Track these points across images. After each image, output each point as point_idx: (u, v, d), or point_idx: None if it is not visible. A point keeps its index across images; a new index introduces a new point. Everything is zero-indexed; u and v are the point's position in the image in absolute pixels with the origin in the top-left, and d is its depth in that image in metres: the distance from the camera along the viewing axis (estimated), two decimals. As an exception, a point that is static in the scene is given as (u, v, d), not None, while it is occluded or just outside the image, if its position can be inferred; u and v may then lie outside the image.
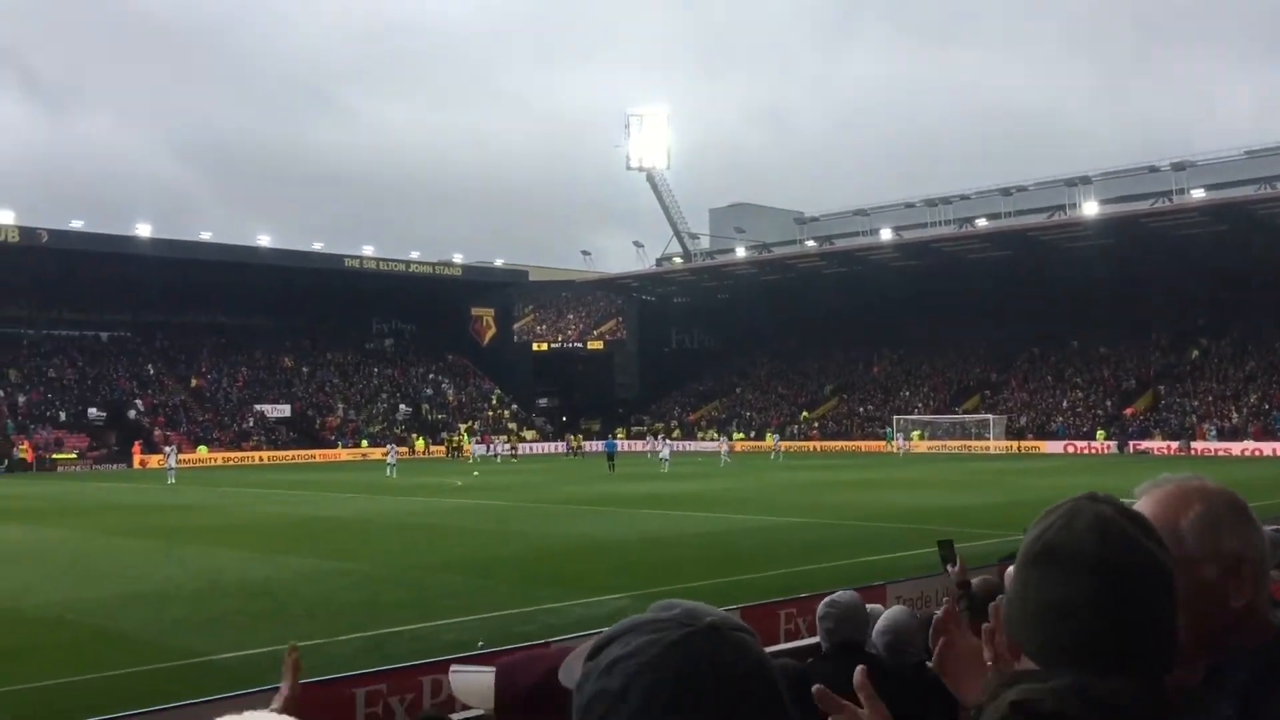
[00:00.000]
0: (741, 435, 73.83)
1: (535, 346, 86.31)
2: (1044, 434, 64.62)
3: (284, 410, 71.82)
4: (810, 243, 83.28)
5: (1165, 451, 56.96)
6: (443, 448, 69.90)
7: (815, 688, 1.46)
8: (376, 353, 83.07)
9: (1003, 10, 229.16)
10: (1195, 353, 66.82)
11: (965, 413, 68.66)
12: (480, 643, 11.04)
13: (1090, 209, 66.61)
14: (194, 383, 71.59)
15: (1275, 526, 3.22)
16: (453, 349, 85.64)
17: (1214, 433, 58.84)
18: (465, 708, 5.72)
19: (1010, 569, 5.18)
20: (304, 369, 77.53)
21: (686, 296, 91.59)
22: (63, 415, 63.67)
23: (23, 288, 66.77)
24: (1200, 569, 1.55)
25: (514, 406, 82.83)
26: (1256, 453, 54.46)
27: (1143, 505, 1.64)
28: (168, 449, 52.30)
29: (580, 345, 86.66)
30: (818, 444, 70.51)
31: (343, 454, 67.34)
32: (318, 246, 78.14)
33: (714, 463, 51.94)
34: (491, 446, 65.43)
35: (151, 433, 63.78)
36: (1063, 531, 1.39)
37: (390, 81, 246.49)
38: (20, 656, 11.99)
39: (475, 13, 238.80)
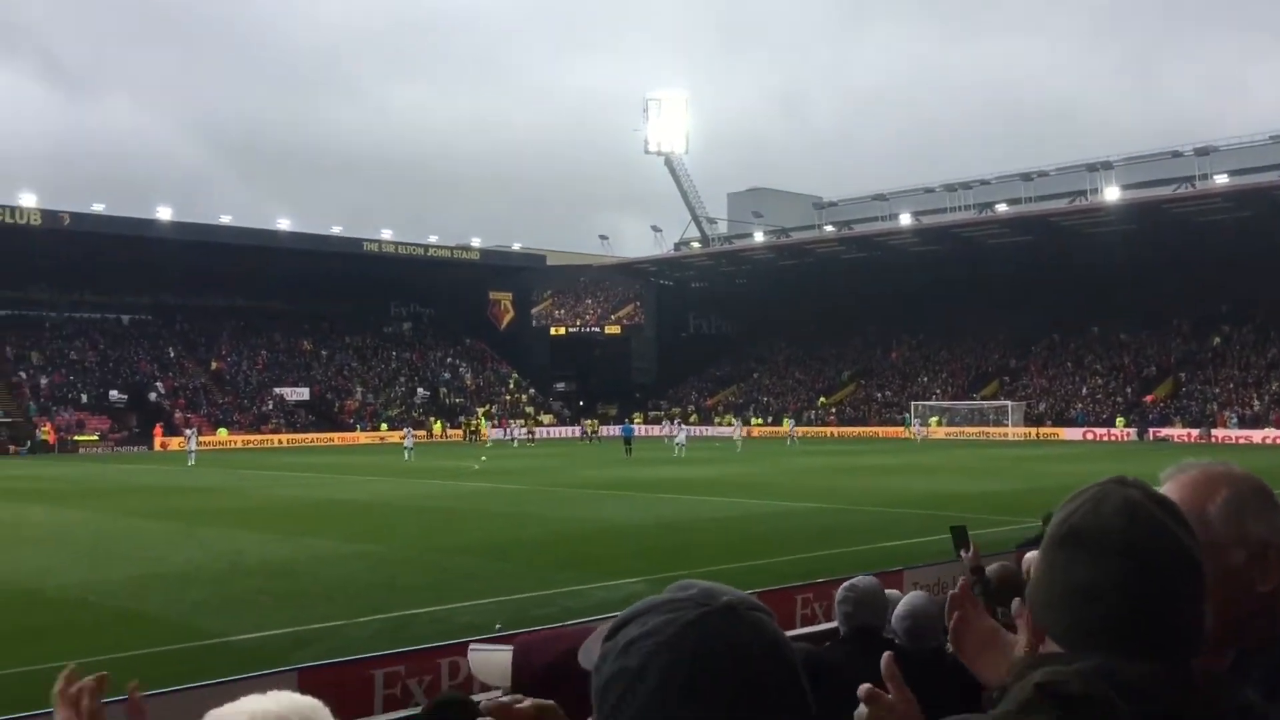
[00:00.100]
0: (760, 420, 73.81)
1: (553, 331, 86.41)
2: (1063, 420, 64.32)
3: (303, 393, 72.22)
4: (829, 228, 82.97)
5: (1185, 439, 56.63)
6: (460, 431, 70.13)
7: (863, 687, 1.46)
8: (395, 336, 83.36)
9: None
10: (1217, 339, 66.33)
11: (984, 399, 68.40)
12: (498, 625, 11.10)
13: (1112, 194, 66.10)
14: (214, 365, 72.04)
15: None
16: (470, 333, 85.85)
17: (1235, 420, 58.43)
18: (484, 688, 5.76)
19: (1027, 555, 5.19)
20: (323, 352, 77.91)
21: (704, 281, 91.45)
22: (84, 397, 64.20)
23: (45, 270, 67.28)
24: (1227, 554, 1.54)
25: (531, 391, 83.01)
26: (1278, 440, 54.06)
27: (1168, 490, 1.62)
28: (188, 431, 52.66)
29: (598, 330, 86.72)
30: (835, 429, 70.41)
31: (361, 437, 67.70)
32: (337, 230, 78.46)
33: (730, 448, 51.92)
34: (508, 430, 65.60)
35: (172, 415, 64.24)
36: (1090, 515, 1.38)
37: (408, 65, 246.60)
38: (43, 637, 12.12)
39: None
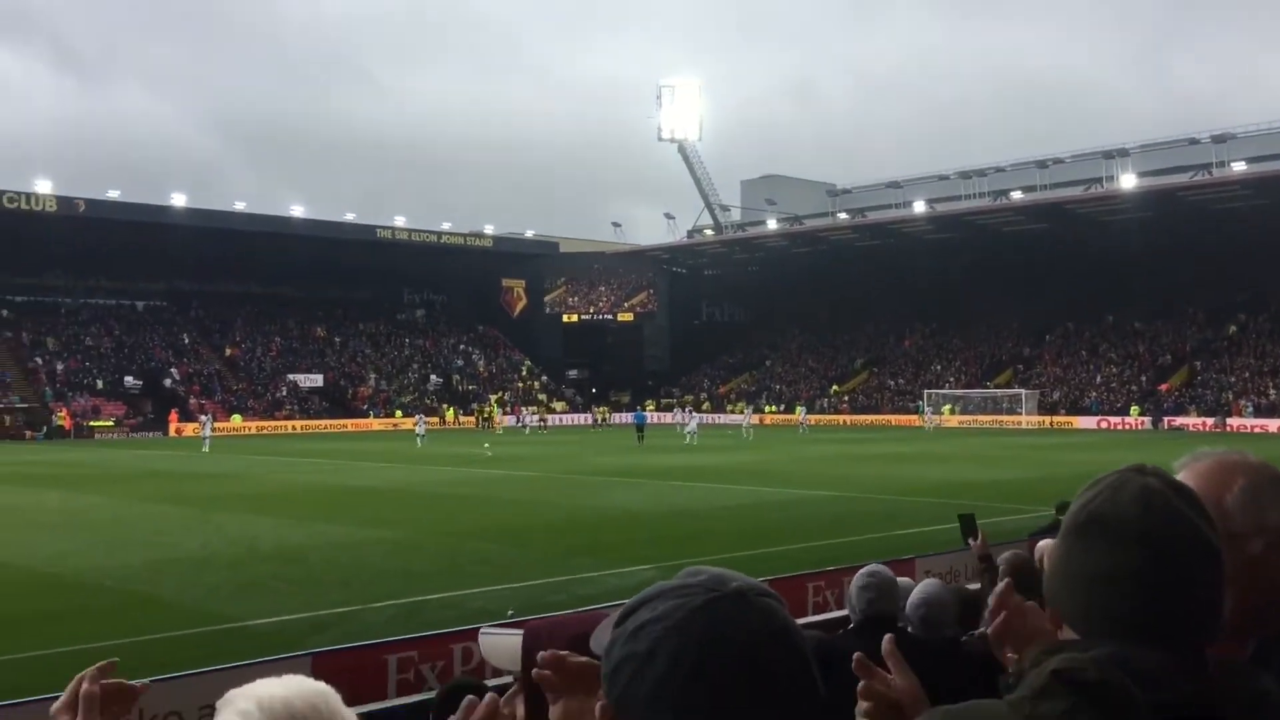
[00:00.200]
0: (774, 408, 73.75)
1: (565, 318, 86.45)
2: (1077, 409, 64.07)
3: (316, 380, 72.47)
4: (842, 215, 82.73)
5: (1200, 428, 56.36)
6: (472, 418, 70.30)
7: (856, 655, 1.47)
8: (408, 323, 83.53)
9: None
10: (1233, 328, 65.92)
11: (997, 387, 68.17)
12: (510, 611, 11.15)
13: (1128, 182, 65.70)
14: (228, 352, 72.33)
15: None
16: (483, 320, 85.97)
17: (1251, 409, 58.11)
18: (496, 673, 5.79)
19: (1041, 543, 5.18)
20: (336, 339, 78.13)
21: (717, 269, 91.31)
22: (100, 383, 64.55)
23: (60, 257, 67.59)
24: (1246, 544, 1.54)
25: (544, 378, 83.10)
26: (1294, 430, 53.77)
27: (1183, 480, 1.62)
28: (203, 418, 52.92)
29: (610, 317, 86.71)
30: (848, 418, 70.29)
31: (374, 423, 67.92)
32: (350, 217, 78.58)
33: (740, 435, 51.85)
34: (521, 418, 65.70)
35: (187, 401, 64.56)
36: (1108, 502, 1.38)
37: (421, 52, 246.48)
38: (60, 621, 12.22)
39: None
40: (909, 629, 4.42)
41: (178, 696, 7.15)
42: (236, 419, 63.74)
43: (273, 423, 64.98)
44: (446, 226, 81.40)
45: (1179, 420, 58.69)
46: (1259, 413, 57.59)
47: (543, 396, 79.26)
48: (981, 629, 2.84)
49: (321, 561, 16.28)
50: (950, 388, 69.82)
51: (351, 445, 48.74)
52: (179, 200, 68.83)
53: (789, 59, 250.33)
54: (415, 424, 51.97)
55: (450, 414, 70.61)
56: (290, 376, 71.72)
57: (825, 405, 73.37)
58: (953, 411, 66.30)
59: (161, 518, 21.82)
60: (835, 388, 76.16)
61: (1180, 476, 1.63)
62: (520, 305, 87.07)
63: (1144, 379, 65.27)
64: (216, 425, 54.17)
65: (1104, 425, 60.54)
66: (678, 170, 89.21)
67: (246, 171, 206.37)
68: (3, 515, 22.43)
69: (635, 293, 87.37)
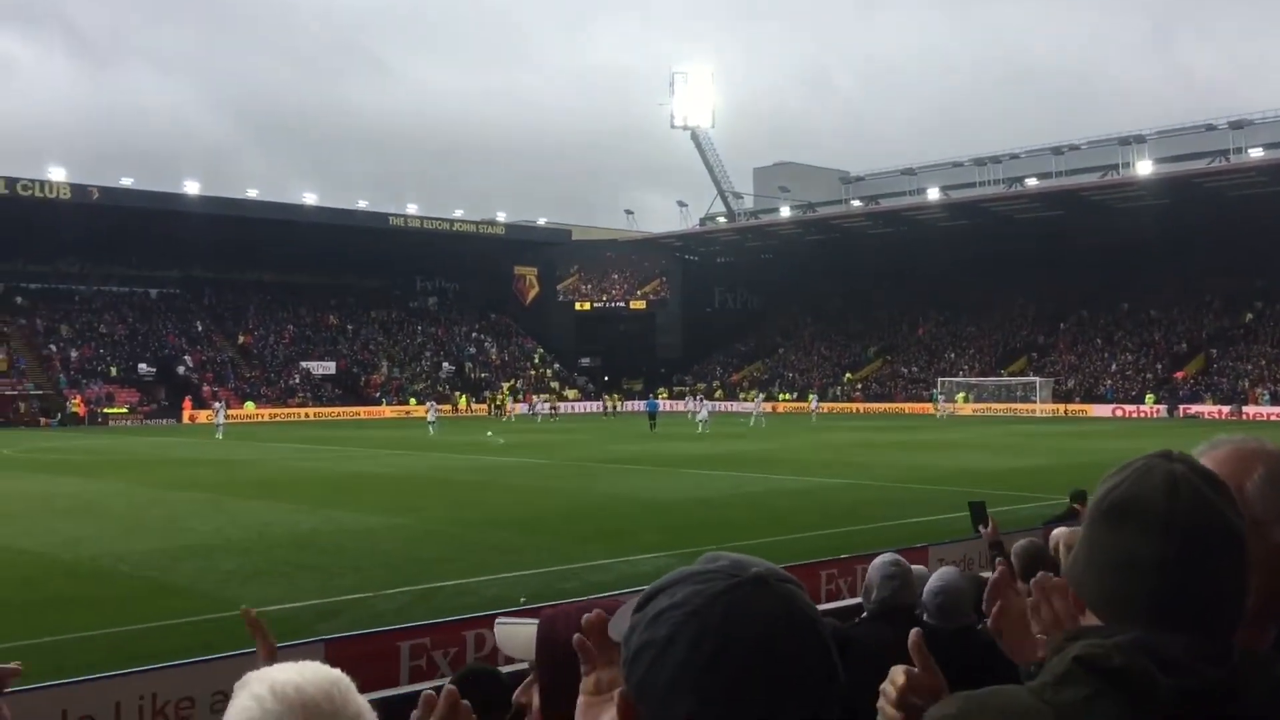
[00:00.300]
0: (788, 395, 73.68)
1: (578, 306, 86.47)
2: (1092, 397, 63.83)
3: (329, 367, 72.69)
4: (856, 202, 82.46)
5: (1216, 416, 56.10)
6: (484, 406, 70.46)
7: (895, 669, 1.46)
8: (420, 311, 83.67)
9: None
10: (1249, 316, 65.54)
11: (1011, 375, 67.95)
12: (522, 598, 11.18)
13: (1144, 168, 65.31)
14: (241, 339, 72.59)
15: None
16: (496, 308, 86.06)
17: (1267, 397, 57.81)
18: (509, 661, 5.79)
19: (1055, 532, 5.13)
20: (349, 327, 78.33)
21: (730, 256, 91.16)
22: (114, 370, 64.87)
23: (74, 244, 67.83)
24: (1269, 532, 1.52)
25: (556, 366, 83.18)
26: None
27: None
28: (217, 405, 53.12)
29: (623, 305, 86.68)
30: (861, 405, 70.20)
31: (386, 411, 68.14)
32: (362, 205, 78.79)
33: (750, 423, 51.77)
34: (532, 406, 65.78)
35: (200, 388, 64.85)
36: (1134, 487, 1.37)
37: (432, 39, 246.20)
38: (76, 606, 12.29)
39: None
40: (925, 617, 4.39)
41: (191, 682, 7.18)
42: (250, 406, 64.00)
43: (286, 410, 65.25)
44: (459, 214, 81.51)
45: (1194, 408, 58.42)
46: (1275, 400, 57.28)
47: (555, 384, 79.35)
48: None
49: (334, 548, 16.34)
50: (964, 376, 69.61)
51: (364, 433, 48.91)
52: (192, 188, 69.08)
53: (802, 46, 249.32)
54: (427, 411, 52.07)
55: (463, 402, 70.77)
56: (303, 364, 71.97)
57: (838, 393, 73.26)
58: (966, 400, 66.14)
59: (175, 504, 21.94)
60: (848, 375, 76.04)
61: None
62: (532, 293, 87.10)
63: (1159, 367, 64.96)
64: (230, 412, 54.38)
65: (1119, 414, 60.29)
66: (690, 158, 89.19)
67: (258, 159, 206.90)
68: (19, 501, 22.58)
69: (648, 280, 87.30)
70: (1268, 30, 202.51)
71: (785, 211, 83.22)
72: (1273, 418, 54.08)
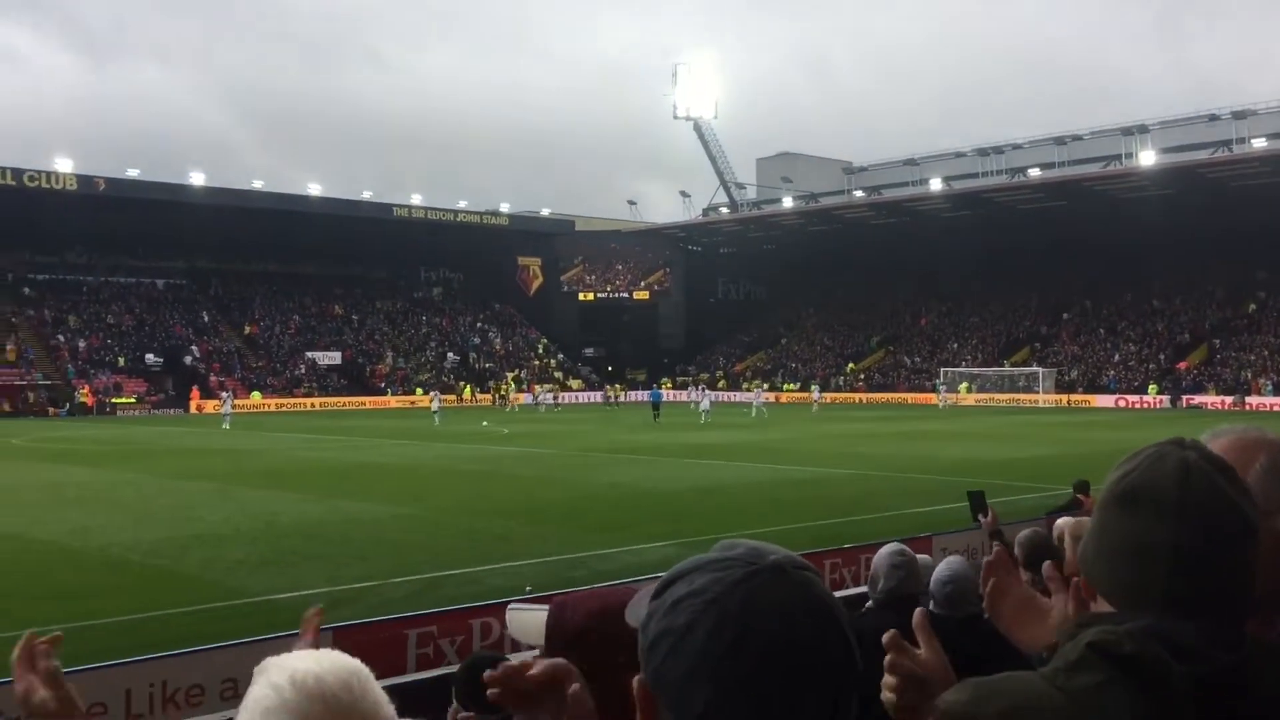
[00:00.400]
0: (792, 386, 73.64)
1: (581, 296, 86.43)
2: (1094, 388, 63.78)
3: (335, 358, 72.78)
4: (858, 193, 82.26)
5: (1219, 406, 56.02)
6: (489, 396, 70.51)
7: (889, 633, 1.48)
8: (425, 301, 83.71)
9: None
10: (1252, 306, 65.41)
11: (1014, 366, 67.88)
12: (528, 587, 11.26)
13: (1147, 159, 65.11)
14: (248, 330, 72.69)
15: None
16: (500, 298, 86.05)
17: (1270, 387, 57.73)
18: (517, 647, 5.86)
19: (1059, 521, 5.15)
20: (354, 317, 78.40)
21: (733, 247, 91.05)
22: (121, 361, 64.99)
23: (81, 235, 67.95)
24: (1271, 521, 1.50)
25: (560, 356, 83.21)
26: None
27: None
28: (224, 395, 53.23)
29: (626, 295, 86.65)
30: (863, 396, 70.17)
31: (392, 401, 68.22)
32: (367, 195, 78.65)
33: (751, 414, 51.75)
34: (537, 395, 65.77)
35: (207, 379, 64.98)
36: (1146, 474, 1.38)
37: (436, 30, 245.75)
38: (86, 595, 12.38)
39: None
40: (931, 606, 4.43)
41: (200, 670, 7.26)
42: (256, 396, 64.11)
43: (292, 400, 65.36)
44: (463, 205, 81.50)
45: (1197, 399, 58.37)
46: (1278, 391, 57.21)
47: (559, 374, 79.40)
48: None
49: (341, 537, 16.43)
50: (967, 366, 69.55)
51: (369, 422, 48.97)
52: (197, 179, 69.06)
53: (804, 36, 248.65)
54: (431, 401, 52.07)
55: (467, 392, 70.84)
56: (309, 354, 72.05)
57: (841, 383, 73.22)
58: (969, 390, 66.08)
59: (184, 493, 22.04)
60: (851, 366, 75.99)
61: None
62: (536, 283, 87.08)
63: (1162, 357, 64.89)
64: (236, 402, 54.46)
65: (1122, 404, 60.26)
66: (693, 148, 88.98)
67: (262, 151, 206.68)
68: (28, 491, 22.68)
69: (651, 271, 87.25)
70: (1272, 21, 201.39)
71: (788, 202, 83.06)
72: (1275, 408, 54.00)
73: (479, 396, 70.66)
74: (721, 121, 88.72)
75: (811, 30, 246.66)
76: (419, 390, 69.27)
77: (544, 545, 15.34)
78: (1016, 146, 77.43)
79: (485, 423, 46.27)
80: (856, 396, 70.12)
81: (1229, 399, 56.92)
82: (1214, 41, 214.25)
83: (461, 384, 72.18)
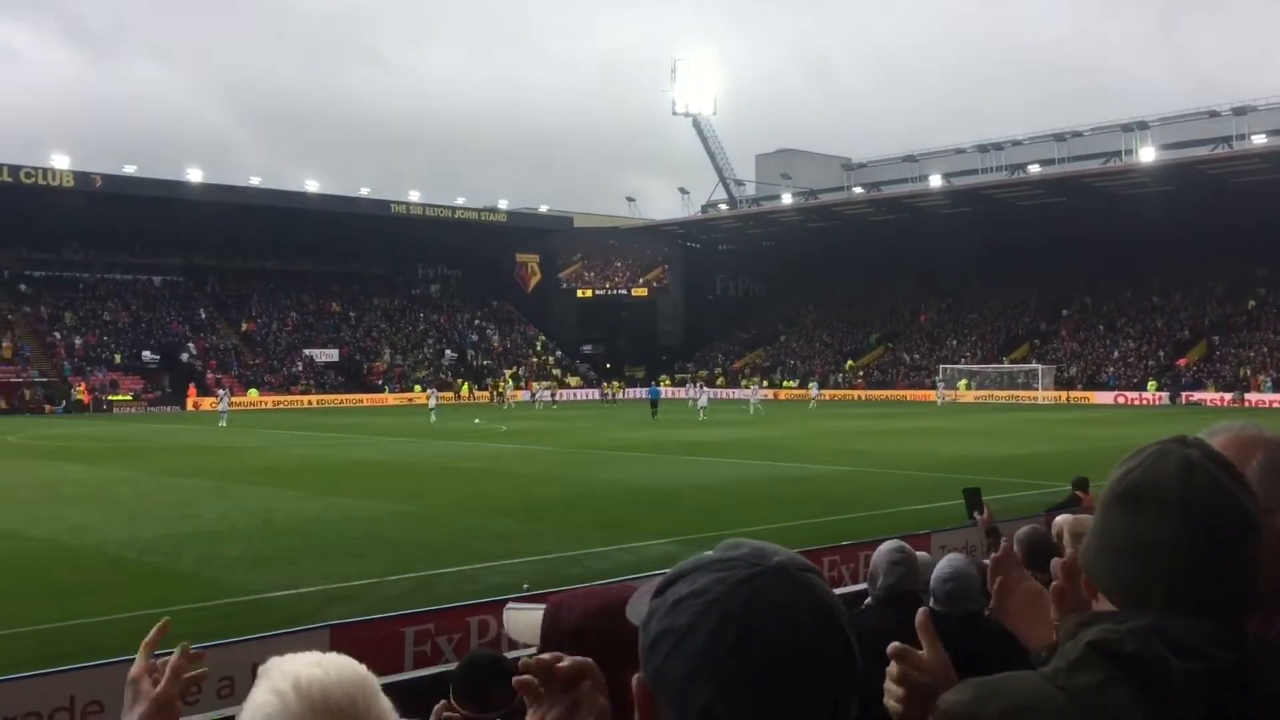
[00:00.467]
0: (791, 383, 73.63)
1: (580, 293, 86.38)
2: (1094, 384, 63.79)
3: (332, 355, 72.71)
4: (858, 189, 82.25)
5: (1218, 403, 56.05)
6: (487, 393, 70.48)
7: (893, 645, 1.46)
8: (423, 298, 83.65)
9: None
10: (1251, 302, 65.43)
11: (1013, 363, 67.90)
12: (525, 585, 11.23)
13: (1147, 155, 65.12)
14: (245, 327, 72.62)
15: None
16: (498, 295, 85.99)
17: (1270, 384, 57.77)
18: (514, 645, 5.84)
19: (1058, 519, 5.12)
20: (351, 314, 78.34)
21: (732, 243, 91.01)
22: (118, 358, 64.93)
23: (78, 232, 67.84)
24: (1268, 518, 1.50)
25: (558, 353, 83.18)
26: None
27: None
28: (221, 392, 53.19)
29: (625, 292, 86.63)
30: (863, 393, 70.17)
31: (389, 398, 68.18)
32: (365, 192, 78.59)
33: (747, 411, 51.72)
34: (534, 393, 65.74)
35: (204, 376, 64.93)
36: (1149, 472, 1.37)
37: (434, 27, 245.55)
38: (83, 593, 12.35)
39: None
40: (932, 603, 4.40)
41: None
42: (253, 393, 64.06)
43: (289, 397, 65.32)
44: (461, 201, 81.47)
45: (1197, 395, 58.39)
46: (1278, 387, 57.24)
47: (557, 372, 79.39)
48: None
49: (338, 534, 16.41)
50: (966, 363, 69.56)
51: (367, 420, 48.95)
52: (195, 175, 68.96)
53: (804, 33, 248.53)
54: (428, 399, 52.00)
55: (465, 389, 70.81)
56: (306, 351, 71.99)
57: (840, 380, 73.22)
58: (968, 387, 66.09)
59: (180, 491, 22.01)
60: (850, 363, 75.99)
61: None
62: (534, 280, 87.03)
63: (1161, 354, 64.92)
64: (234, 400, 54.45)
65: (1121, 401, 60.28)
66: (692, 145, 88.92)
67: (259, 148, 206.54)
68: (24, 488, 22.65)
69: (650, 268, 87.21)
70: (1272, 17, 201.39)
71: (787, 199, 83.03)
72: (1275, 405, 54.03)
73: (477, 394, 70.64)
74: (721, 118, 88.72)
75: (811, 27, 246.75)
76: (417, 387, 69.22)
77: (542, 543, 15.31)
78: (1016, 143, 77.48)
79: (477, 420, 46.24)
80: (856, 394, 70.11)
81: (1228, 396, 56.94)
82: (1215, 39, 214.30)
83: (459, 381, 72.15)
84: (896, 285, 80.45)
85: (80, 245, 69.85)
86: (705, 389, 56.75)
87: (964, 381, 66.45)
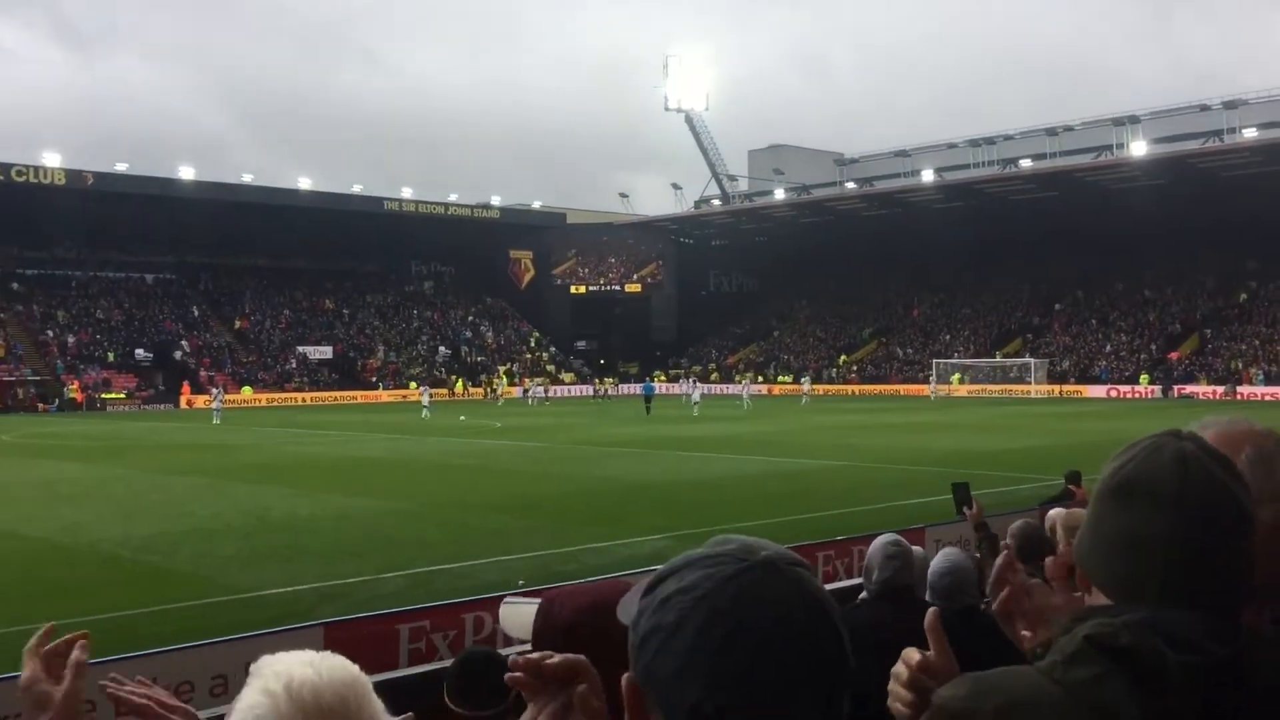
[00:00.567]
0: (786, 378, 73.68)
1: (573, 289, 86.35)
2: (1086, 378, 63.93)
3: (325, 352, 72.60)
4: (850, 185, 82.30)
5: (1210, 396, 56.22)
6: (481, 390, 70.42)
7: (906, 651, 1.45)
8: (416, 295, 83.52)
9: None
10: (1243, 296, 65.61)
11: (1006, 356, 68.00)
12: (520, 581, 11.23)
13: (1138, 149, 65.23)
14: (238, 324, 72.47)
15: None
16: (491, 292, 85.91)
17: (1261, 377, 57.94)
18: (508, 642, 5.84)
19: (1051, 513, 5.11)
20: (345, 311, 78.20)
21: (725, 239, 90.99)
22: (111, 356, 64.77)
23: (70, 230, 67.63)
24: (1259, 511, 1.50)
25: (552, 349, 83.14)
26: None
27: None
28: (214, 390, 53.10)
29: (619, 288, 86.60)
30: (856, 387, 70.24)
31: (383, 395, 68.10)
32: (357, 189, 78.46)
33: (740, 406, 51.77)
34: (527, 389, 65.69)
35: (197, 373, 64.78)
36: (1143, 465, 1.37)
37: (425, 24, 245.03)
38: (76, 592, 12.34)
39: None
40: (927, 597, 4.41)
41: (191, 666, 7.22)
42: (247, 391, 63.94)
43: (283, 395, 65.21)
44: (453, 198, 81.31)
45: (1189, 388, 58.55)
46: (1269, 380, 57.40)
47: (551, 368, 79.34)
48: (987, 599, 2.86)
49: (332, 532, 16.39)
50: (959, 357, 69.66)
51: (361, 417, 48.90)
52: (187, 173, 68.80)
53: (796, 28, 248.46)
54: (420, 396, 51.97)
55: (459, 385, 70.74)
56: (300, 349, 71.87)
57: (834, 375, 73.28)
58: (961, 381, 66.21)
59: (174, 489, 21.98)
60: (843, 358, 76.07)
61: None
62: (528, 276, 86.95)
63: (1154, 347, 65.09)
64: (227, 397, 54.35)
65: (1113, 394, 60.42)
66: (685, 141, 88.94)
67: (252, 145, 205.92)
68: (18, 487, 22.60)
69: (643, 264, 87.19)
70: (1264, 12, 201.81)
71: (779, 194, 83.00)
72: (1267, 398, 54.22)
73: (470, 390, 70.56)
74: (713, 114, 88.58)
75: (803, 23, 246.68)
76: (411, 384, 69.15)
77: (536, 539, 15.32)
78: (1008, 137, 77.54)
79: (463, 417, 46.14)
80: (849, 388, 70.17)
81: (1220, 389, 57.11)
82: (1207, 33, 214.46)
83: (453, 378, 72.07)
84: (889, 280, 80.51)
85: (72, 243, 69.63)
86: (699, 384, 56.73)
87: (957, 376, 66.56)
